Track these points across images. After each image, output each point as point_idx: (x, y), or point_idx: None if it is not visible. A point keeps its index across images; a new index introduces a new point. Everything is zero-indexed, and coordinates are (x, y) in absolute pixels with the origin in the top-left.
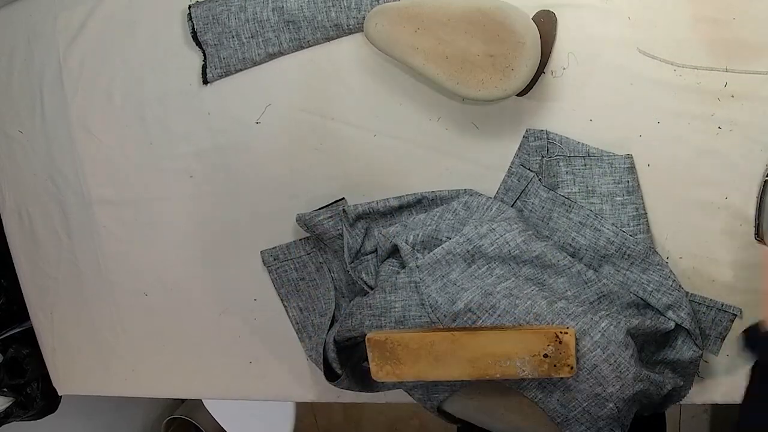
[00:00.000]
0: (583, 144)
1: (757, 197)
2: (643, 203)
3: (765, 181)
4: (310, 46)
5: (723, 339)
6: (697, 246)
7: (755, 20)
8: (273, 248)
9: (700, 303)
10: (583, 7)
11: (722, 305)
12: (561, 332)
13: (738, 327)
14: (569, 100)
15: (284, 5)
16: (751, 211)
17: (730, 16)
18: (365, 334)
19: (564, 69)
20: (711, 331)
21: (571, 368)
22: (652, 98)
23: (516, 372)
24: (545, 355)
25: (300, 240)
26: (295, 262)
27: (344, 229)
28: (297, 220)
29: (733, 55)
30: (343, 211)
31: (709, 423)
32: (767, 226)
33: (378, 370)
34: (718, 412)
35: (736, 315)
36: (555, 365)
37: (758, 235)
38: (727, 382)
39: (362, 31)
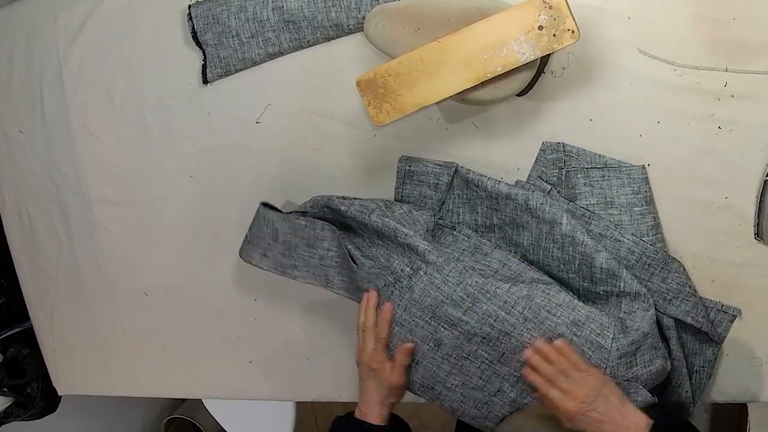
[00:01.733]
0: (600, 155)
1: (757, 197)
2: (657, 212)
3: (765, 181)
4: (310, 46)
5: (723, 339)
6: (697, 246)
7: (755, 20)
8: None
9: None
10: (583, 7)
11: (722, 305)
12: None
13: (738, 327)
14: (569, 100)
15: (284, 5)
16: (752, 211)
17: (730, 16)
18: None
19: (564, 69)
20: (711, 331)
21: (573, 32)
22: (652, 98)
23: (516, 58)
24: (540, 27)
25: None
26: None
27: (450, 182)
28: (400, 161)
29: (733, 55)
30: (456, 169)
31: (709, 423)
32: (767, 225)
33: (377, 113)
34: (718, 412)
35: (735, 315)
36: (554, 35)
37: (758, 235)
38: (727, 382)
39: (362, 31)
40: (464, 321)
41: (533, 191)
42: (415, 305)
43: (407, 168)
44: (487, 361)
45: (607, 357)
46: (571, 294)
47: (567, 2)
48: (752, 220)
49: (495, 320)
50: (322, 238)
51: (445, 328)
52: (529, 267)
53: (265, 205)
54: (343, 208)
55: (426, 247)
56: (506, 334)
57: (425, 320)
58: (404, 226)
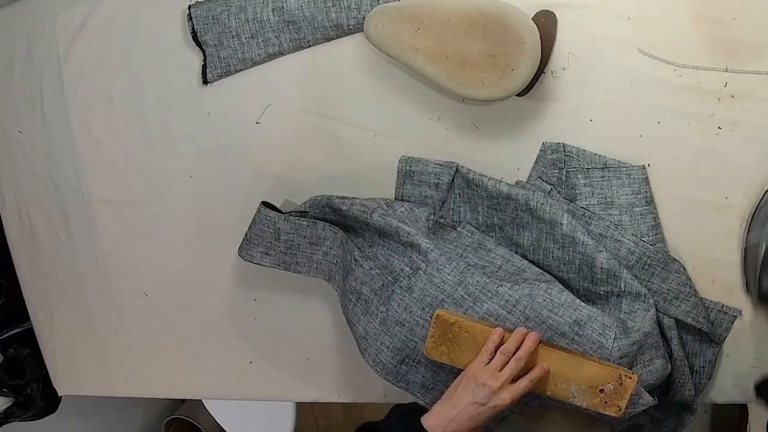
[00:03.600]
0: (600, 155)
1: (741, 257)
2: (657, 212)
3: (745, 248)
4: (310, 46)
5: (723, 340)
6: (697, 246)
7: (755, 20)
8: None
9: None
10: (583, 7)
11: (722, 306)
12: (626, 376)
13: (738, 327)
14: (569, 100)
15: (284, 5)
16: (751, 211)
17: (730, 16)
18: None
19: (564, 69)
20: (711, 331)
21: (620, 409)
22: (652, 98)
23: (567, 395)
24: (601, 390)
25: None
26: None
27: (450, 181)
28: (400, 161)
29: (733, 55)
30: (457, 169)
31: (709, 423)
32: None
33: (433, 348)
34: (718, 412)
35: (736, 316)
36: (606, 402)
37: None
38: (727, 382)
39: (362, 31)
40: None
41: (534, 191)
42: (416, 304)
43: (408, 168)
44: None
45: (609, 357)
46: (573, 294)
47: (634, 387)
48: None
49: (496, 319)
50: (324, 237)
51: None
52: (531, 264)
53: (265, 204)
54: (344, 207)
55: (428, 245)
56: (508, 333)
57: (425, 319)
58: (406, 224)
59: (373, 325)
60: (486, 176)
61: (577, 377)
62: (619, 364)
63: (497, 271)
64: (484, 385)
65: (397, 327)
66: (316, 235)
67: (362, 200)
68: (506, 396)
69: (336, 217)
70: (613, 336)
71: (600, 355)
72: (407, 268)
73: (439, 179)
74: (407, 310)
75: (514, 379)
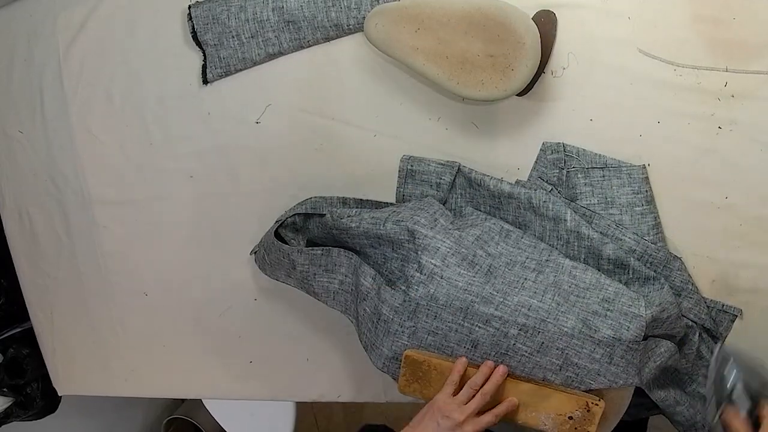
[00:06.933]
0: (600, 155)
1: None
2: (658, 212)
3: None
4: (310, 46)
5: (723, 339)
6: (697, 246)
7: (755, 20)
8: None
9: None
10: (583, 7)
11: (722, 305)
12: (592, 402)
13: (738, 327)
14: (569, 100)
15: (284, 5)
16: (752, 211)
17: (730, 16)
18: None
19: (564, 69)
20: (713, 328)
21: None
22: (652, 98)
23: (537, 423)
24: (570, 417)
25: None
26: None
27: (452, 181)
28: (402, 160)
29: (733, 55)
30: (459, 168)
31: None
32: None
33: (406, 385)
34: None
35: (736, 315)
36: (576, 428)
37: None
38: None
39: (362, 31)
40: (497, 316)
41: (536, 189)
42: (445, 310)
43: (409, 167)
44: (527, 354)
45: (644, 325)
46: (598, 272)
47: (600, 414)
48: (752, 220)
49: (529, 309)
50: (339, 263)
51: (479, 326)
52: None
53: (277, 237)
54: (353, 225)
55: (448, 247)
56: (542, 321)
57: (458, 323)
58: (423, 226)
59: (401, 342)
60: (488, 176)
61: (546, 407)
62: (650, 326)
63: (525, 261)
64: (449, 417)
65: (430, 337)
66: (331, 263)
67: (371, 213)
68: (470, 429)
69: (346, 237)
70: (643, 305)
71: (637, 325)
72: (421, 274)
73: (440, 179)
74: (438, 318)
75: (481, 412)
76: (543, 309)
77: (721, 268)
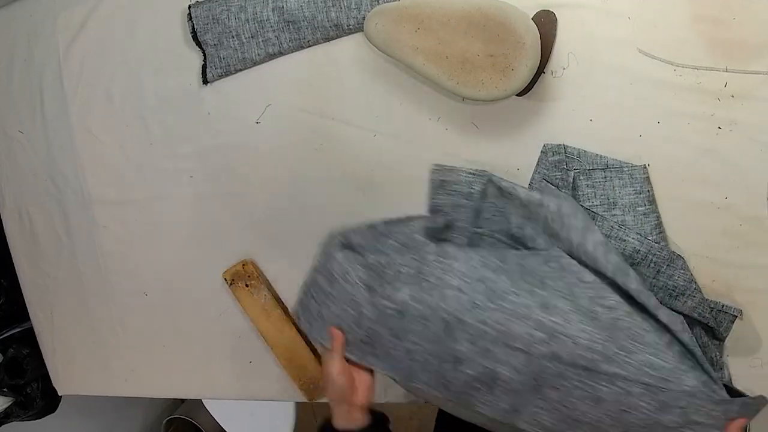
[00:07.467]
0: (601, 156)
1: None
2: (659, 211)
3: None
4: (310, 46)
5: (724, 339)
6: (697, 246)
7: (755, 20)
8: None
9: None
10: (583, 7)
11: (723, 306)
12: None
13: (738, 327)
14: (569, 100)
15: (284, 5)
16: (751, 211)
17: (730, 16)
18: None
19: (564, 69)
20: (716, 327)
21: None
22: (652, 98)
23: None
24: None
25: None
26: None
27: (482, 190)
28: (432, 170)
29: (733, 55)
30: (490, 180)
31: None
32: None
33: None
34: None
35: (736, 316)
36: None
37: None
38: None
39: (362, 31)
40: (621, 375)
41: (566, 199)
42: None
43: (440, 178)
44: (647, 412)
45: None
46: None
47: None
48: (752, 220)
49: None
50: (410, 330)
51: (604, 386)
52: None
53: (346, 280)
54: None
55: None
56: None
57: (581, 378)
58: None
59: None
60: (518, 185)
61: None
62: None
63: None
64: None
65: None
66: (401, 327)
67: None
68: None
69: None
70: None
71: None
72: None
73: (471, 188)
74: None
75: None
76: (666, 368)
77: (721, 268)
